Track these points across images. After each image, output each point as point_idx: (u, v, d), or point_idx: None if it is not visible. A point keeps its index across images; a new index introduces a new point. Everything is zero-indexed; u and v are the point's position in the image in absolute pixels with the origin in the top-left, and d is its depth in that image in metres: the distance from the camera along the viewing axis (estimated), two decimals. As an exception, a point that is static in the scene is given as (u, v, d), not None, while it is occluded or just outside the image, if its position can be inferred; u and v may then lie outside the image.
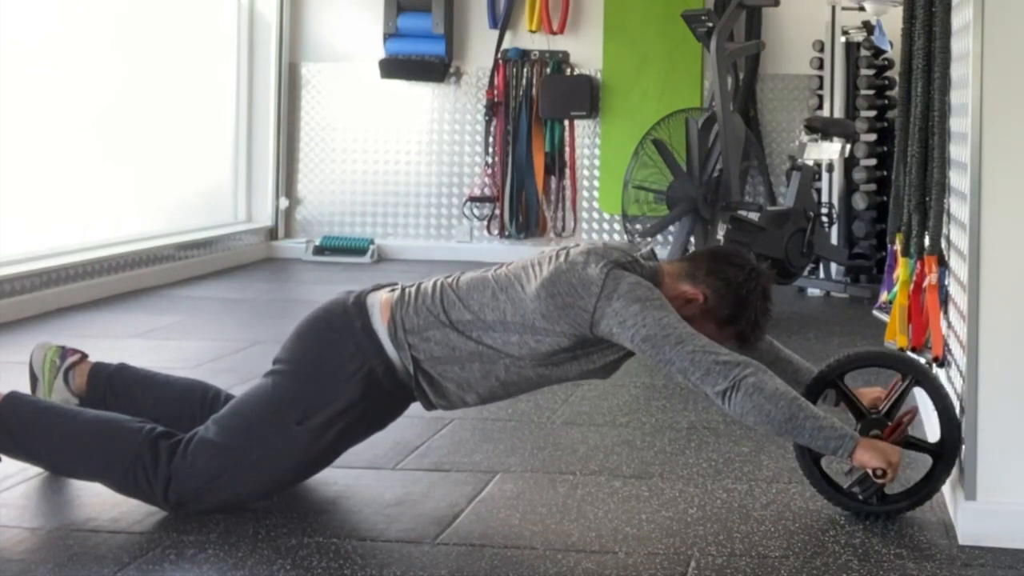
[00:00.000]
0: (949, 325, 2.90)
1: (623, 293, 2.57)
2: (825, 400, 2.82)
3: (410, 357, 2.66)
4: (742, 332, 2.74)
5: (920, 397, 3.07)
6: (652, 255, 2.77)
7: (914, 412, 2.75)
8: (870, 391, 2.81)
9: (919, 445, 2.77)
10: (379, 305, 2.70)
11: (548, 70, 7.38)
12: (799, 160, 5.92)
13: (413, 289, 2.73)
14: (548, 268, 2.66)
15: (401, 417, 3.48)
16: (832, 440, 2.52)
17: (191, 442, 2.62)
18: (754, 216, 5.50)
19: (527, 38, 7.46)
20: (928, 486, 2.71)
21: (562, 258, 2.68)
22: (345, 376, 2.64)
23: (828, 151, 6.01)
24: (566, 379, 2.75)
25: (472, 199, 7.42)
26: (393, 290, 2.75)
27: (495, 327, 2.64)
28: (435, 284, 2.73)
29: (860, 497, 2.67)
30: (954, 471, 2.70)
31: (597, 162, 7.38)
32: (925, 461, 2.77)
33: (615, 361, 2.72)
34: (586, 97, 7.25)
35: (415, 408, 3.61)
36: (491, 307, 2.65)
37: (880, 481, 2.57)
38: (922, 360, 3.10)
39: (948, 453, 2.70)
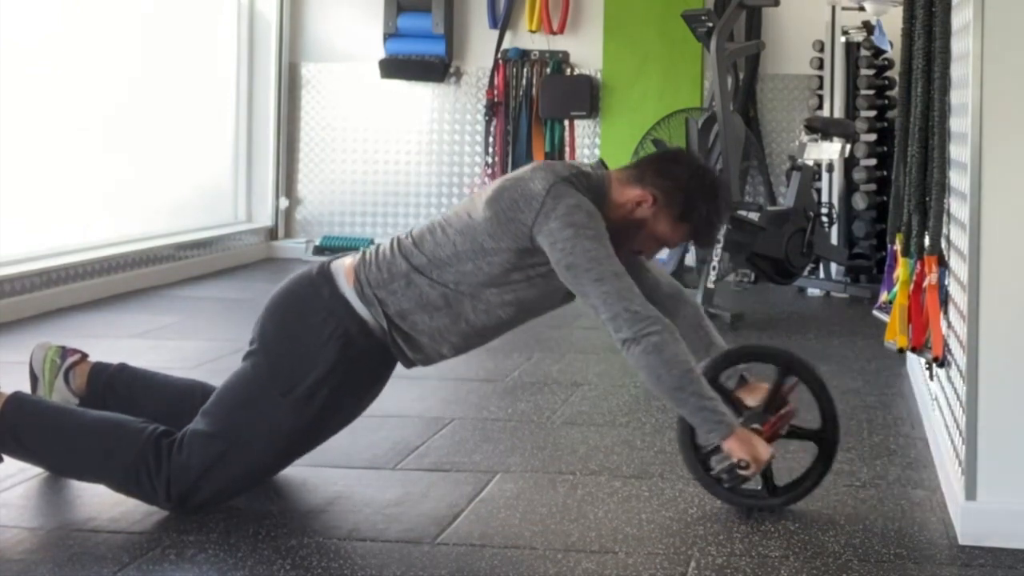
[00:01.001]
0: (949, 325, 2.89)
1: (560, 215, 2.58)
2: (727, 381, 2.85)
3: (381, 312, 2.68)
4: (695, 229, 2.78)
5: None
6: (601, 164, 2.80)
7: (791, 413, 2.78)
8: (762, 386, 2.85)
9: (801, 433, 2.82)
10: (343, 270, 2.74)
11: (548, 70, 7.38)
12: (799, 160, 5.92)
13: (373, 249, 2.78)
14: (494, 187, 2.70)
15: (401, 417, 3.48)
16: (709, 422, 2.56)
17: (184, 438, 2.63)
18: (754, 216, 5.50)
19: (527, 38, 7.45)
20: (809, 479, 2.76)
21: (508, 175, 2.73)
22: (321, 341, 2.66)
23: (828, 151, 6.01)
24: (533, 311, 2.76)
25: (472, 199, 7.41)
26: (355, 257, 2.80)
27: (450, 261, 2.67)
28: (392, 240, 2.79)
29: (726, 485, 2.69)
30: (956, 470, 2.70)
31: (597, 162, 7.36)
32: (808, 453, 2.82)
33: None
34: (586, 97, 7.25)
35: (415, 408, 3.62)
36: (442, 243, 2.69)
37: (743, 472, 2.61)
38: (923, 360, 3.10)
39: (829, 442, 2.77)
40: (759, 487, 2.74)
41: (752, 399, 2.78)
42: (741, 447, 2.58)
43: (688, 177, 2.75)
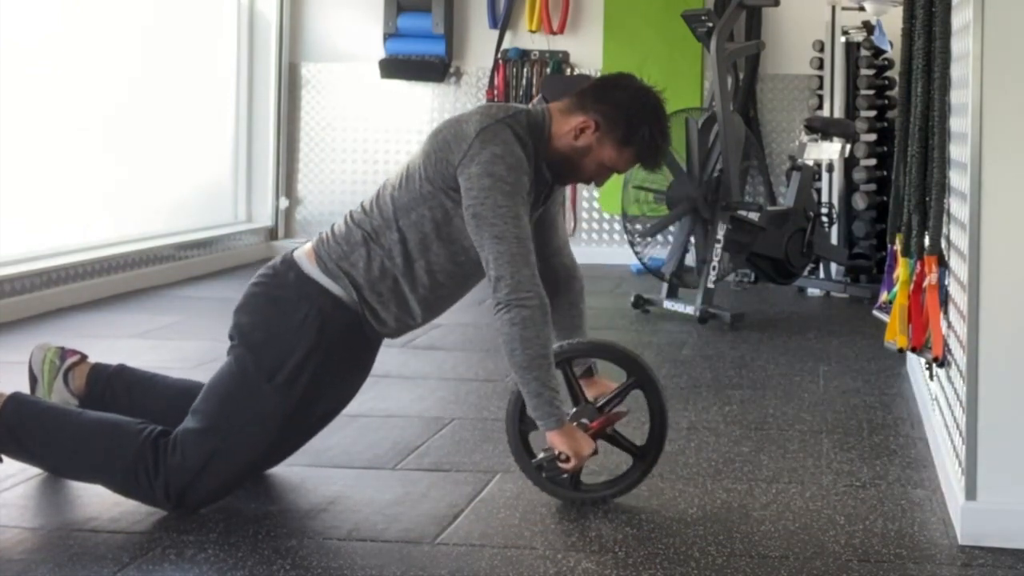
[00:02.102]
0: (949, 325, 2.89)
1: (483, 161, 2.60)
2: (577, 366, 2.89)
3: (349, 284, 2.71)
4: (640, 153, 2.78)
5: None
6: (543, 100, 2.83)
7: (620, 415, 2.81)
8: (604, 382, 2.89)
9: (624, 444, 2.84)
10: (304, 254, 2.78)
11: (548, 70, 7.38)
12: (799, 160, 5.91)
13: (328, 229, 2.82)
14: (433, 129, 2.73)
15: (401, 417, 3.48)
16: (541, 409, 2.60)
17: (176, 438, 2.64)
18: (754, 216, 5.49)
19: (527, 38, 7.46)
20: (620, 484, 2.79)
21: (449, 117, 2.76)
22: (297, 324, 2.67)
23: (828, 151, 6.01)
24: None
25: (472, 199, 7.40)
26: (314, 240, 2.83)
27: (396, 218, 2.69)
28: (345, 216, 2.81)
29: (544, 474, 2.73)
30: (956, 470, 2.70)
31: (597, 162, 7.36)
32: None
33: None
34: (586, 97, 7.24)
35: (415, 408, 3.61)
36: (387, 203, 2.73)
37: (562, 465, 2.65)
38: (923, 360, 3.08)
39: (649, 457, 2.81)
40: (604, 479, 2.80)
41: (592, 392, 2.84)
42: (563, 441, 2.63)
43: (629, 100, 2.76)
